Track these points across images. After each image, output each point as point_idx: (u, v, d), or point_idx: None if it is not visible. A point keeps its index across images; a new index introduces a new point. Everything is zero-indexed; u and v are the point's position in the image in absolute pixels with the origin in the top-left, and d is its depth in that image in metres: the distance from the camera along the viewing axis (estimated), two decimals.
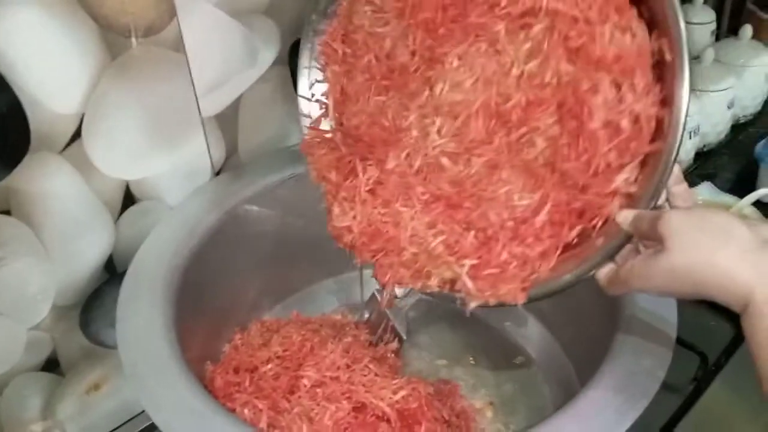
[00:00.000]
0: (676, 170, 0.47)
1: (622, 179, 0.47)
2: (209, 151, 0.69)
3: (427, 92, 0.52)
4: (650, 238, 0.44)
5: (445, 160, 0.52)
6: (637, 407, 0.44)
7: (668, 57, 0.45)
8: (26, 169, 0.55)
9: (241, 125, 0.71)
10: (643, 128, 0.46)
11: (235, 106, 0.70)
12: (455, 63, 0.51)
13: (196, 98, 0.65)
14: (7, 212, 0.56)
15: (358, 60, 0.57)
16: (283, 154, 0.74)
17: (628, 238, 0.47)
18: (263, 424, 0.54)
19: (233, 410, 0.55)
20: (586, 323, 0.61)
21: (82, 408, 0.69)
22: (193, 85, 0.64)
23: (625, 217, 0.46)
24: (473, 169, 0.51)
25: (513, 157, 0.50)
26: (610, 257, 0.48)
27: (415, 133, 0.53)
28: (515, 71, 0.49)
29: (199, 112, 0.66)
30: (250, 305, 0.72)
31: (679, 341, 0.60)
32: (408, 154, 0.53)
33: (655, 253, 0.43)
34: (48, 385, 0.66)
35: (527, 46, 0.48)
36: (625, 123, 0.46)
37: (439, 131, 0.52)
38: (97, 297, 0.66)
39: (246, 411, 0.55)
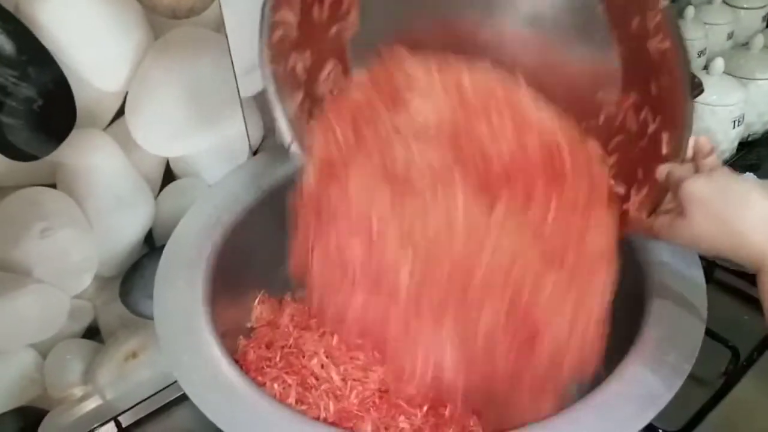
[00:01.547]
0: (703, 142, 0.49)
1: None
2: (247, 131, 0.70)
3: (418, 224, 0.53)
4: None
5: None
6: (658, 402, 0.44)
7: None
8: (72, 145, 0.57)
9: None
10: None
11: None
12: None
13: (236, 78, 0.66)
14: (53, 185, 0.58)
15: (359, 150, 0.55)
16: None
17: None
18: (291, 400, 0.56)
19: (263, 384, 0.57)
20: (614, 314, 0.60)
21: (121, 375, 0.72)
22: (233, 66, 0.65)
23: (661, 172, 0.49)
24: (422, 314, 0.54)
25: (457, 315, 0.52)
26: None
27: (390, 256, 0.53)
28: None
29: (238, 92, 0.67)
30: (283, 283, 0.73)
31: (711, 334, 0.60)
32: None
33: (680, 215, 0.46)
34: (89, 351, 0.69)
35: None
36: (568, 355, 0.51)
37: (411, 274, 0.53)
38: (137, 269, 0.68)
39: (276, 386, 0.57)
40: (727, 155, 0.93)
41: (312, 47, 0.57)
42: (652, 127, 0.51)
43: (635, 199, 0.54)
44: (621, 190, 0.55)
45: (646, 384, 0.46)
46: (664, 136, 0.50)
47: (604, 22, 0.54)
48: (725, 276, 0.75)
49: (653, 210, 0.52)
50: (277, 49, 0.55)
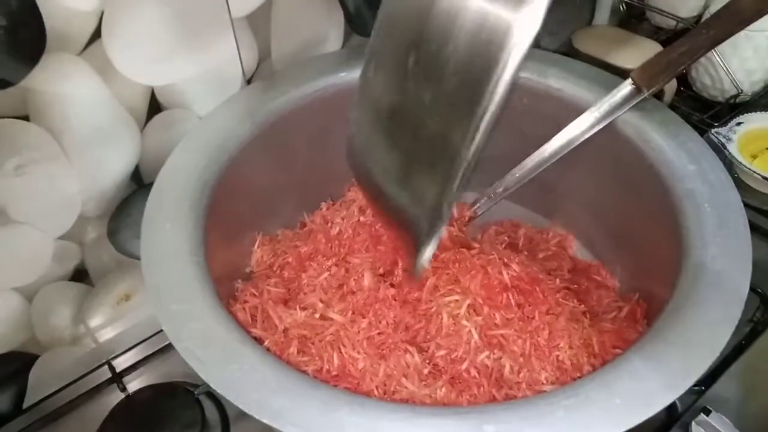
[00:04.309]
0: None
1: None
2: (240, 56, 0.63)
3: None
4: None
5: None
6: (701, 365, 0.40)
7: None
8: (43, 71, 0.51)
9: (274, 28, 0.65)
10: None
11: (267, 7, 0.63)
12: None
13: None
14: (25, 118, 0.53)
15: None
16: (320, 60, 0.68)
17: None
18: (293, 349, 0.52)
19: (262, 333, 0.53)
20: (652, 270, 0.56)
21: (113, 318, 0.69)
22: None
23: None
24: None
25: None
26: None
27: None
28: None
29: (229, 11, 0.60)
30: (283, 222, 0.68)
31: None
32: None
33: None
34: (78, 294, 0.65)
35: None
36: None
37: None
38: (125, 208, 0.63)
39: (275, 336, 0.53)
40: (760, 85, 0.87)
41: None
42: None
43: None
44: None
45: (686, 345, 0.42)
46: None
47: None
48: (755, 217, 0.71)
49: None
50: None
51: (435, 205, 0.37)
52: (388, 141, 0.40)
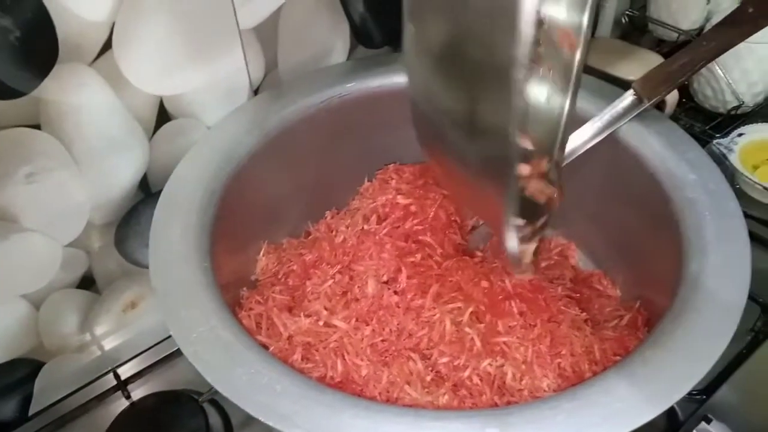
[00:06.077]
0: None
1: None
2: (247, 67, 0.64)
3: None
4: None
5: None
6: (699, 371, 0.41)
7: None
8: (55, 81, 0.52)
9: (281, 39, 0.66)
10: None
11: (275, 19, 0.64)
12: None
13: (234, 7, 0.60)
14: (37, 126, 0.53)
15: None
16: (326, 71, 0.69)
17: None
18: (297, 356, 0.53)
19: (267, 339, 0.54)
20: (653, 279, 0.56)
21: (119, 325, 0.69)
22: None
23: None
24: None
25: None
26: None
27: None
28: None
29: (237, 23, 0.61)
30: (288, 230, 0.69)
31: None
32: None
33: None
34: (85, 302, 0.65)
35: None
36: None
37: None
38: (132, 216, 0.64)
39: (280, 342, 0.54)
40: (762, 97, 0.87)
41: None
42: None
43: None
44: None
45: (682, 352, 0.42)
46: None
47: None
48: (755, 227, 0.71)
49: None
50: None
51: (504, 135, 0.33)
52: (446, 81, 0.38)
